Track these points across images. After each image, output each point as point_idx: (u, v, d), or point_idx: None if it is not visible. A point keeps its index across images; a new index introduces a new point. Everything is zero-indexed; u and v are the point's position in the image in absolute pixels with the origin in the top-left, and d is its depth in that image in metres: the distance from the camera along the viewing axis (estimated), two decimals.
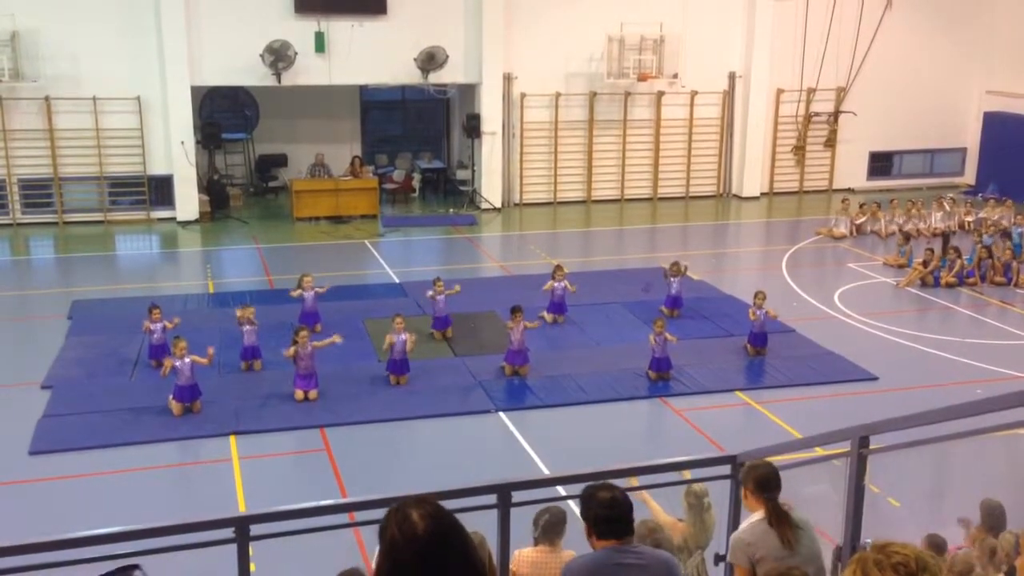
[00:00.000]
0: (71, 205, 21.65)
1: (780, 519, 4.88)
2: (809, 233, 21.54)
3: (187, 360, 11.65)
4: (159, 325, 13.16)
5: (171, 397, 11.71)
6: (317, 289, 14.57)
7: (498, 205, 23.55)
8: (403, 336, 12.62)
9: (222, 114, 24.52)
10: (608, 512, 4.25)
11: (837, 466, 5.40)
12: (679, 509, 6.90)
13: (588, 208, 24.18)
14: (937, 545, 6.66)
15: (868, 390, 12.70)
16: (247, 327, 13.09)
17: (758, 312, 13.81)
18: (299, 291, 14.46)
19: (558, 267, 15.44)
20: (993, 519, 7.04)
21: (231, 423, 11.51)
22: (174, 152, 21.36)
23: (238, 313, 13.34)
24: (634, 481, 6.13)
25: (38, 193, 21.49)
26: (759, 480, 5.05)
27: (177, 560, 4.60)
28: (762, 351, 13.81)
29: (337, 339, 12.58)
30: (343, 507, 5.72)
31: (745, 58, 24.55)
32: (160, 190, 21.92)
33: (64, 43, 20.58)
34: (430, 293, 14.43)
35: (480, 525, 4.43)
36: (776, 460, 6.01)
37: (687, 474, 6.69)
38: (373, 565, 2.85)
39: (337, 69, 21.99)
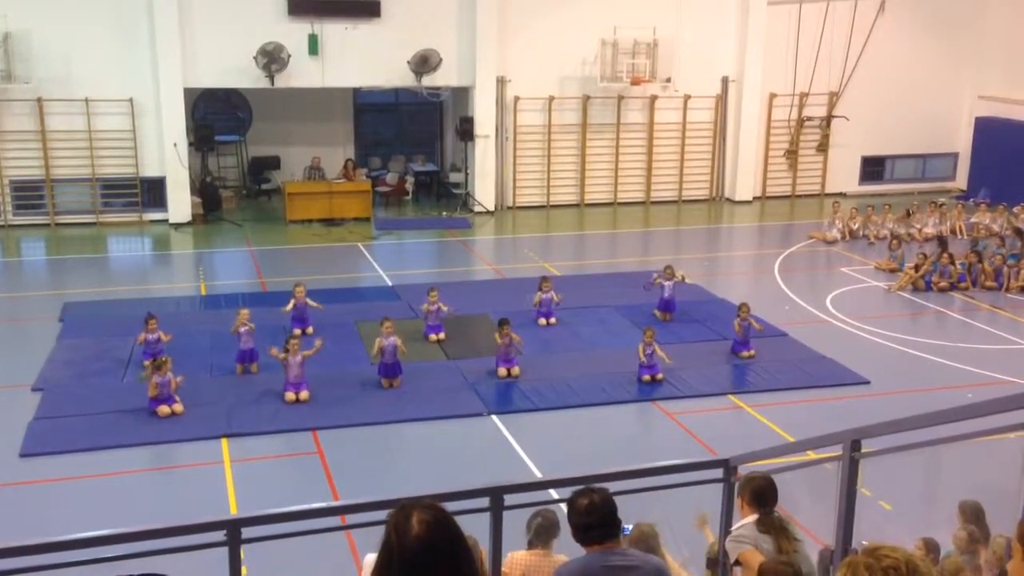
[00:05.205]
0: (63, 207, 21.60)
1: (777, 531, 4.90)
2: (801, 237, 21.58)
3: (167, 377, 11.68)
4: (155, 336, 13.09)
5: (150, 407, 11.72)
6: (312, 304, 14.49)
7: (491, 208, 23.55)
8: (392, 339, 12.62)
9: (215, 116, 24.46)
10: (587, 519, 4.26)
11: (829, 470, 5.41)
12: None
13: (581, 211, 24.20)
14: (932, 547, 6.69)
15: (860, 394, 12.73)
16: (244, 330, 13.05)
17: (742, 324, 13.84)
18: (292, 302, 14.40)
19: (544, 279, 15.54)
20: (973, 517, 7.08)
21: (222, 426, 11.48)
22: (167, 154, 21.32)
23: (234, 328, 13.14)
24: (662, 555, 5.87)
25: (30, 195, 21.42)
26: (756, 492, 5.05)
27: (168, 563, 4.58)
28: (748, 354, 13.80)
29: (319, 344, 12.63)
30: (335, 510, 5.72)
31: (738, 62, 24.60)
32: (152, 192, 21.87)
33: (57, 44, 20.52)
34: (425, 306, 14.40)
35: (472, 528, 4.43)
36: (768, 464, 6.03)
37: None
38: (363, 565, 2.87)
39: (330, 71, 21.97)
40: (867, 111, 25.54)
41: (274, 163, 24.78)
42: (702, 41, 24.03)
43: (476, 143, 23.25)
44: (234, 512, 9.19)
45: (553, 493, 6.76)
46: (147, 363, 12.40)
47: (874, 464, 5.34)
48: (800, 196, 25.97)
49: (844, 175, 26.30)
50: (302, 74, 21.70)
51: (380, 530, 2.78)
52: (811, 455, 6.73)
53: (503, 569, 5.58)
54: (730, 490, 5.90)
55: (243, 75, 21.43)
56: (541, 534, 5.97)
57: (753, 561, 4.78)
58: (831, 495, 5.12)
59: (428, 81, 22.58)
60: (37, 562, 4.34)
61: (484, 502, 5.04)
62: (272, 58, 21.11)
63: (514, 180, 24.03)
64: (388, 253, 20.28)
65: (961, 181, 26.84)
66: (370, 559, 5.00)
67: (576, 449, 10.98)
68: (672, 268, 15.67)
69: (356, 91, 24.94)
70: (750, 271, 19.37)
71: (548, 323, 15.10)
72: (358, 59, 21.96)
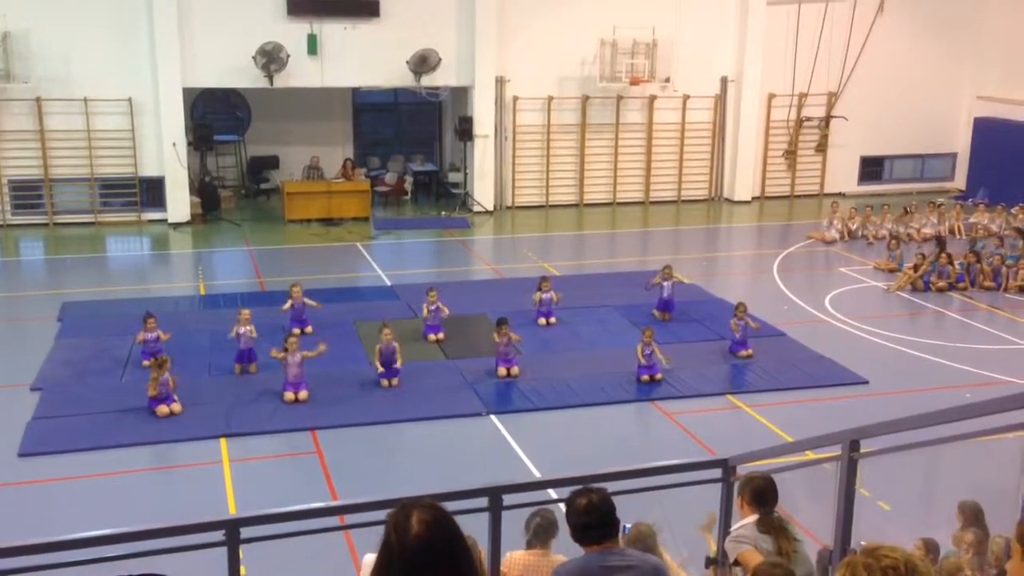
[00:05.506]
0: (62, 206, 21.59)
1: (777, 531, 4.89)
2: (800, 237, 21.59)
3: (166, 376, 11.70)
4: (154, 335, 13.09)
5: (149, 407, 11.71)
6: (310, 303, 14.49)
7: (490, 208, 23.55)
8: (393, 344, 12.63)
9: (214, 116, 24.46)
10: (586, 519, 4.27)
11: (828, 470, 5.41)
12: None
13: (580, 211, 24.19)
14: (931, 548, 6.69)
15: (859, 394, 12.73)
16: (243, 331, 13.03)
17: (739, 324, 13.84)
18: (290, 302, 14.40)
19: (544, 279, 15.56)
20: (973, 517, 7.09)
21: (221, 426, 11.48)
22: (165, 154, 21.31)
23: (234, 331, 13.08)
24: (660, 555, 5.81)
25: (29, 194, 21.41)
26: (756, 492, 5.05)
27: (167, 563, 4.58)
28: (746, 354, 13.80)
29: (323, 348, 12.56)
30: (334, 510, 5.72)
31: (737, 62, 24.60)
32: (151, 192, 21.85)
33: (56, 44, 20.51)
34: (424, 306, 14.39)
35: (472, 528, 4.43)
36: (767, 464, 6.04)
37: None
38: (362, 564, 2.87)
39: (329, 71, 21.97)
40: (866, 111, 25.55)
41: (273, 163, 24.78)
42: (701, 41, 24.03)
43: (475, 143, 23.24)
44: (233, 512, 9.19)
45: (552, 493, 6.76)
46: (149, 362, 12.39)
47: (873, 464, 5.34)
48: (799, 196, 25.97)
49: (843, 175, 26.31)
50: (301, 74, 21.69)
51: (379, 530, 2.78)
52: (810, 455, 6.73)
53: (502, 569, 5.58)
54: (729, 490, 5.90)
55: (242, 75, 21.42)
56: (540, 534, 5.97)
57: (752, 561, 4.79)
58: (830, 495, 5.12)
59: (427, 81, 22.57)
60: (36, 562, 4.34)
61: (483, 502, 5.05)
62: (271, 58, 21.11)
63: (513, 180, 24.03)
64: (387, 253, 20.28)
65: (960, 181, 26.84)
66: (369, 559, 5.00)
67: (575, 449, 10.97)
68: (671, 268, 15.67)
69: (355, 91, 24.94)
70: (749, 271, 19.37)
71: (548, 323, 15.11)
72: (357, 59, 21.95)
